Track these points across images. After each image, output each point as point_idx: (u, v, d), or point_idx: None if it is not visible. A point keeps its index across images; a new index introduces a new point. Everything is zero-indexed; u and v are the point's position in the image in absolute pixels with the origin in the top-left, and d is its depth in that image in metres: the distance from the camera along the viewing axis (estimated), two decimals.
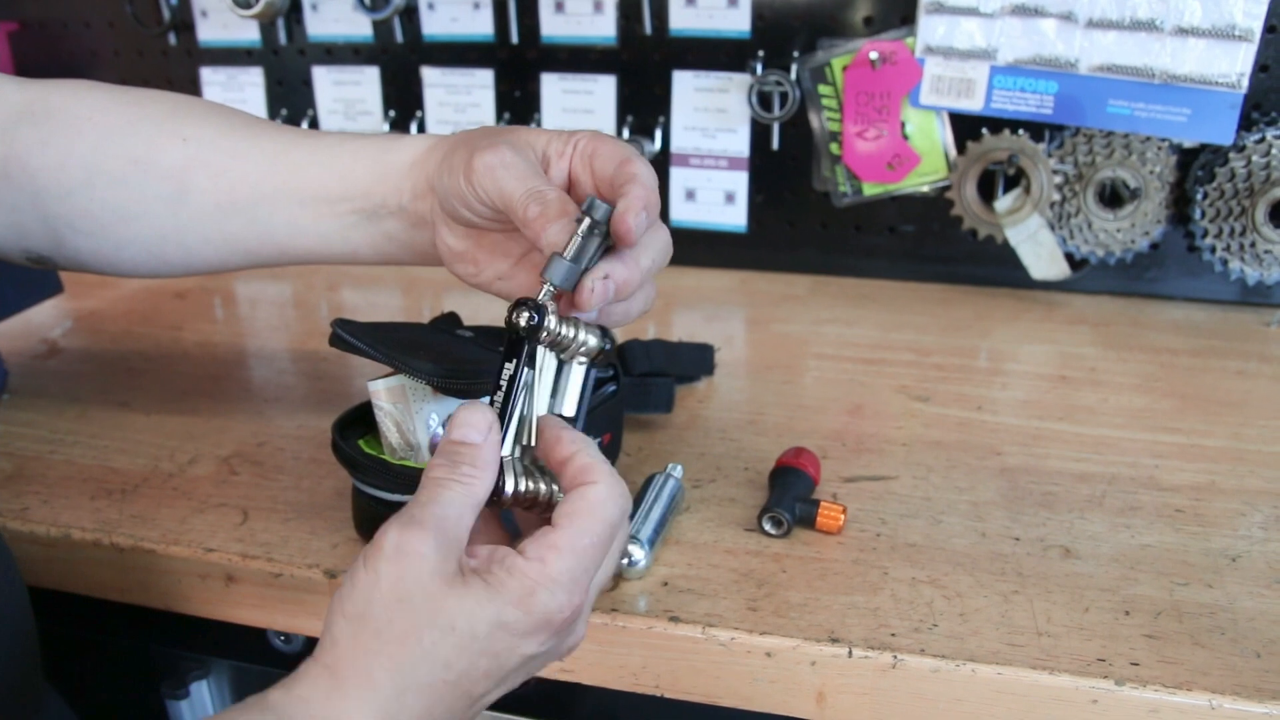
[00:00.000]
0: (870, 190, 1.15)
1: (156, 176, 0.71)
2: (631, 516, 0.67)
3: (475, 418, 0.52)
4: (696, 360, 0.93)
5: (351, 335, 0.65)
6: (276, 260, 0.74)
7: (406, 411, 0.65)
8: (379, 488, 0.64)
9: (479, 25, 1.22)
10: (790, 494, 0.70)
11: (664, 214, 1.23)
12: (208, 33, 1.32)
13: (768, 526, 0.69)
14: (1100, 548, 0.68)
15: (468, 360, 0.66)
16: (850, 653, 0.59)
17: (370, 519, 0.67)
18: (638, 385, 0.82)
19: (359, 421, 0.70)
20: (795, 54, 1.13)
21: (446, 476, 0.51)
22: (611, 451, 0.76)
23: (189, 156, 0.71)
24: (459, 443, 0.52)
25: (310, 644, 0.68)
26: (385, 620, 0.48)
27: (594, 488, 0.52)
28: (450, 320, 0.79)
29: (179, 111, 0.74)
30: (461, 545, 0.50)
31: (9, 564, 0.63)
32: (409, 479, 0.63)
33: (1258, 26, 0.96)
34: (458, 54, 1.25)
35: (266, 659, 0.78)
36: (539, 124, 1.24)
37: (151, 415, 0.89)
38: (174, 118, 0.73)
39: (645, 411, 0.85)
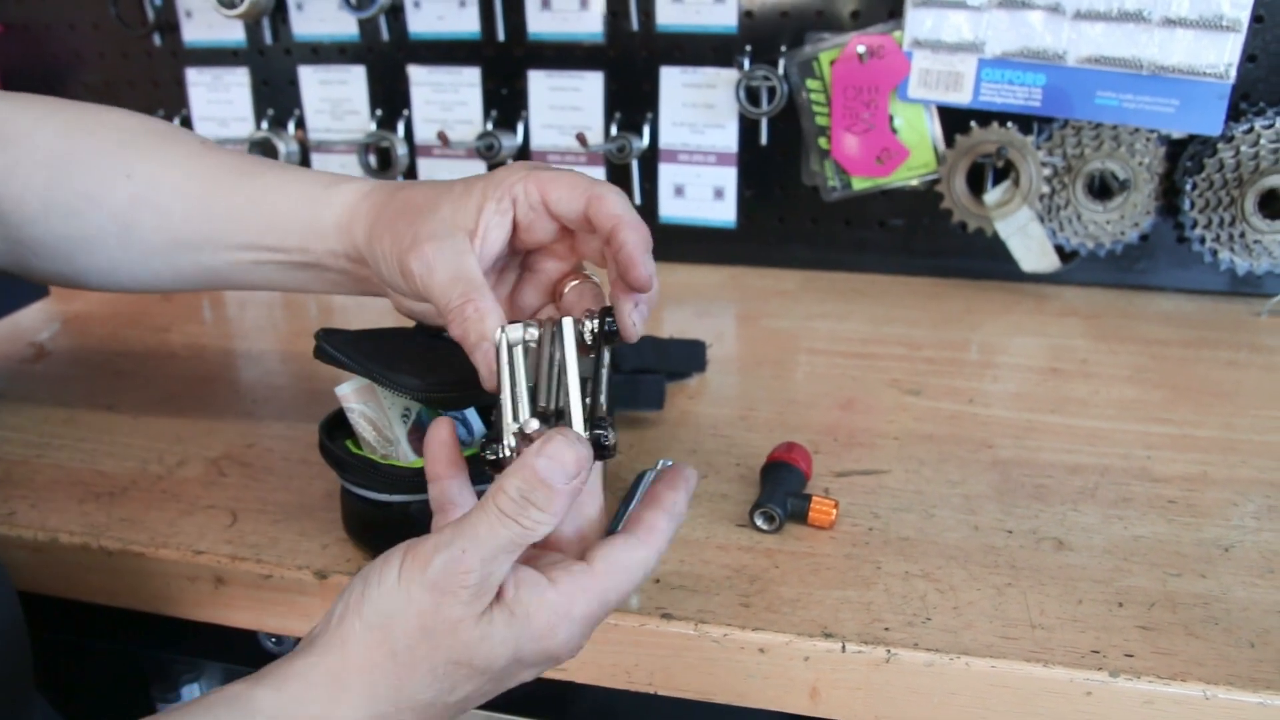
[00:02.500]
0: (859, 184, 1.15)
1: (105, 213, 0.71)
2: (621, 514, 0.67)
3: (567, 456, 0.48)
4: (688, 356, 0.92)
5: (335, 348, 0.65)
6: (229, 288, 0.75)
7: (379, 408, 0.65)
8: (367, 487, 0.64)
9: (465, 23, 1.22)
10: (782, 489, 0.70)
11: (653, 210, 1.23)
12: (192, 33, 1.31)
13: (760, 522, 0.69)
14: (1093, 539, 0.68)
15: (453, 370, 0.66)
16: (844, 647, 0.59)
17: (360, 519, 0.67)
18: (628, 382, 0.81)
19: (346, 422, 0.70)
20: (783, 49, 1.13)
21: (512, 515, 0.47)
22: None
23: (133, 195, 0.71)
24: (542, 482, 0.47)
25: None
26: (405, 645, 0.47)
27: (646, 551, 0.52)
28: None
29: (130, 142, 0.73)
30: (497, 586, 0.49)
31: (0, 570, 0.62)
32: (396, 478, 0.63)
33: (1245, 17, 0.96)
34: (444, 52, 1.24)
35: (257, 661, 0.78)
36: (526, 123, 1.24)
37: (139, 418, 0.88)
38: (123, 150, 0.72)
39: (636, 409, 0.85)
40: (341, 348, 0.65)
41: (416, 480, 0.63)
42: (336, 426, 0.68)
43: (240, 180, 0.70)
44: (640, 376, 0.84)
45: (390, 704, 0.48)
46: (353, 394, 0.65)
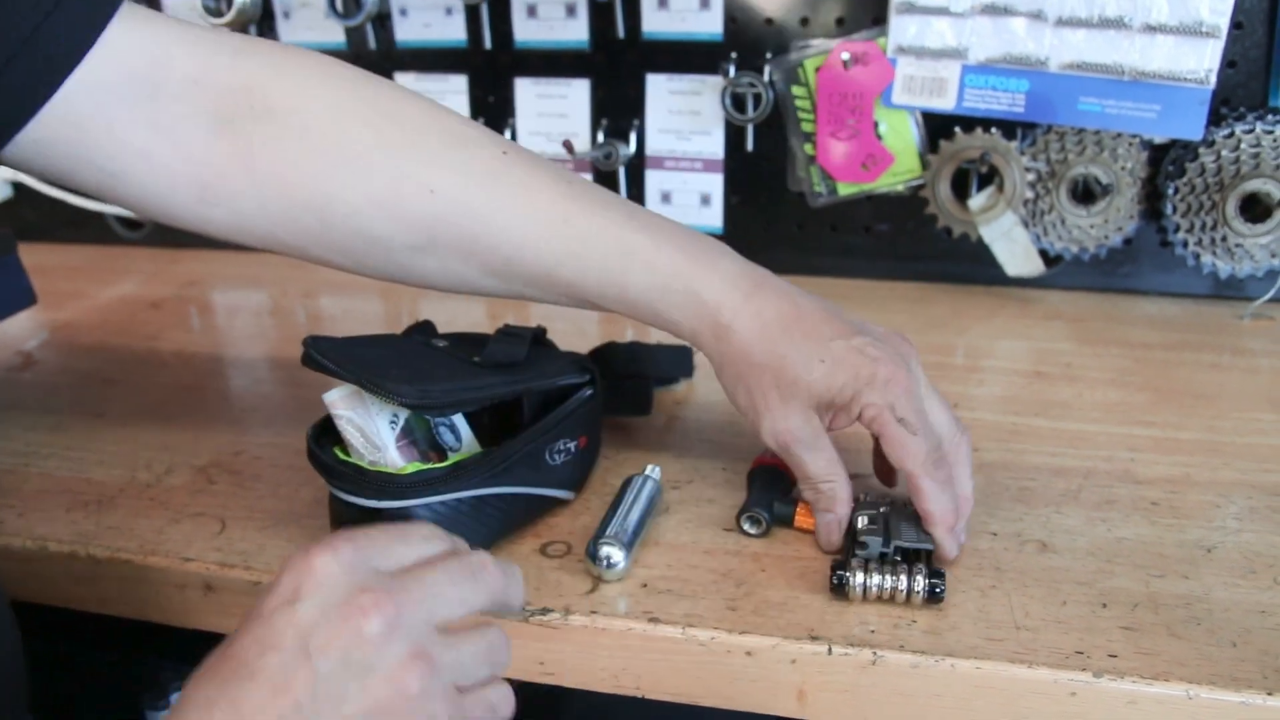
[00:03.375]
0: (845, 190, 1.16)
1: (395, 222, 0.67)
2: (610, 519, 0.67)
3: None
4: (675, 362, 0.93)
5: (323, 355, 0.65)
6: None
7: (365, 414, 0.65)
8: (356, 494, 0.64)
9: (452, 31, 1.22)
10: (768, 493, 0.70)
11: None
12: None
13: (746, 526, 0.69)
14: (1077, 541, 0.68)
15: (441, 377, 0.66)
16: (830, 650, 0.59)
17: (349, 525, 0.67)
18: (615, 388, 0.82)
19: (335, 429, 0.70)
20: (768, 55, 1.13)
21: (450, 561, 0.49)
22: (589, 456, 0.75)
23: (437, 212, 0.67)
24: (480, 565, 0.50)
25: None
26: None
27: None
28: (424, 329, 0.79)
29: (420, 144, 0.68)
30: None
31: None
32: (385, 483, 0.63)
33: (1224, 23, 0.97)
34: (431, 60, 1.24)
35: None
36: (514, 130, 1.24)
37: (127, 426, 0.88)
38: (416, 154, 0.67)
39: (622, 414, 0.85)
40: (330, 354, 0.65)
41: (406, 486, 0.63)
42: (325, 433, 0.69)
43: (602, 228, 0.67)
44: (627, 382, 0.84)
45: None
46: (340, 400, 0.65)
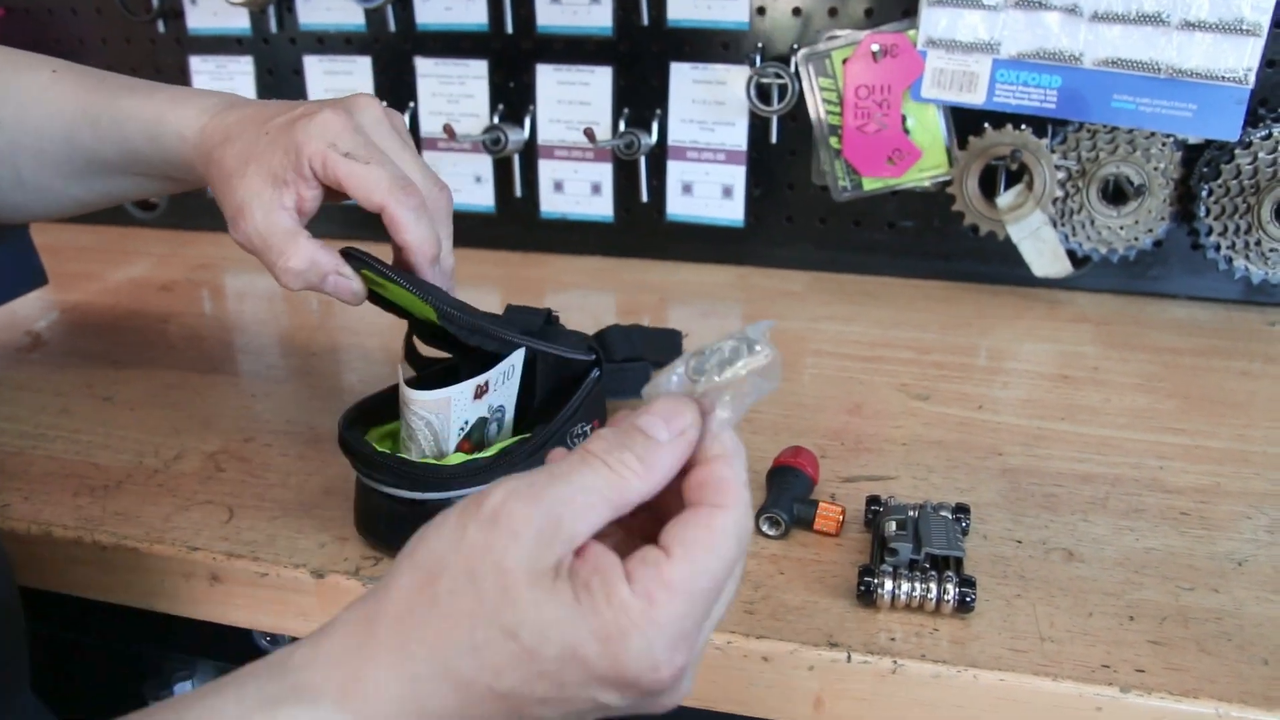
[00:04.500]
0: (870, 185, 1.14)
1: None
2: None
3: (673, 409, 0.44)
4: (666, 345, 0.92)
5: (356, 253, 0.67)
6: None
7: (445, 417, 0.64)
8: (396, 486, 0.62)
9: (473, 14, 1.20)
10: (788, 494, 0.69)
11: (660, 208, 1.22)
12: (197, 20, 1.30)
13: (765, 527, 0.68)
14: (1104, 551, 0.66)
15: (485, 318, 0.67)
16: (849, 658, 0.57)
17: (387, 518, 0.65)
18: (615, 371, 0.80)
19: (359, 420, 0.68)
20: (795, 46, 1.11)
21: (599, 454, 0.42)
22: None
23: (9, 142, 0.77)
24: (639, 430, 0.43)
25: None
26: (448, 590, 0.40)
27: (725, 514, 0.42)
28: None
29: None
30: (573, 542, 0.41)
31: (2, 564, 0.61)
32: (429, 476, 0.62)
33: (1266, 21, 0.94)
34: (451, 44, 1.23)
35: (251, 660, 0.77)
36: (534, 117, 1.23)
37: (136, 410, 0.87)
38: None
39: (623, 398, 0.83)
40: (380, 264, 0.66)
41: (449, 477, 0.62)
42: (354, 423, 0.67)
43: (97, 115, 0.74)
44: (627, 365, 0.83)
45: (425, 664, 0.40)
46: (428, 401, 0.64)
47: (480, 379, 0.65)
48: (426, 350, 0.75)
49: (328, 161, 0.63)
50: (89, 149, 0.75)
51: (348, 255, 0.67)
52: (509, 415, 0.70)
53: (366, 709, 0.40)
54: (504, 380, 0.67)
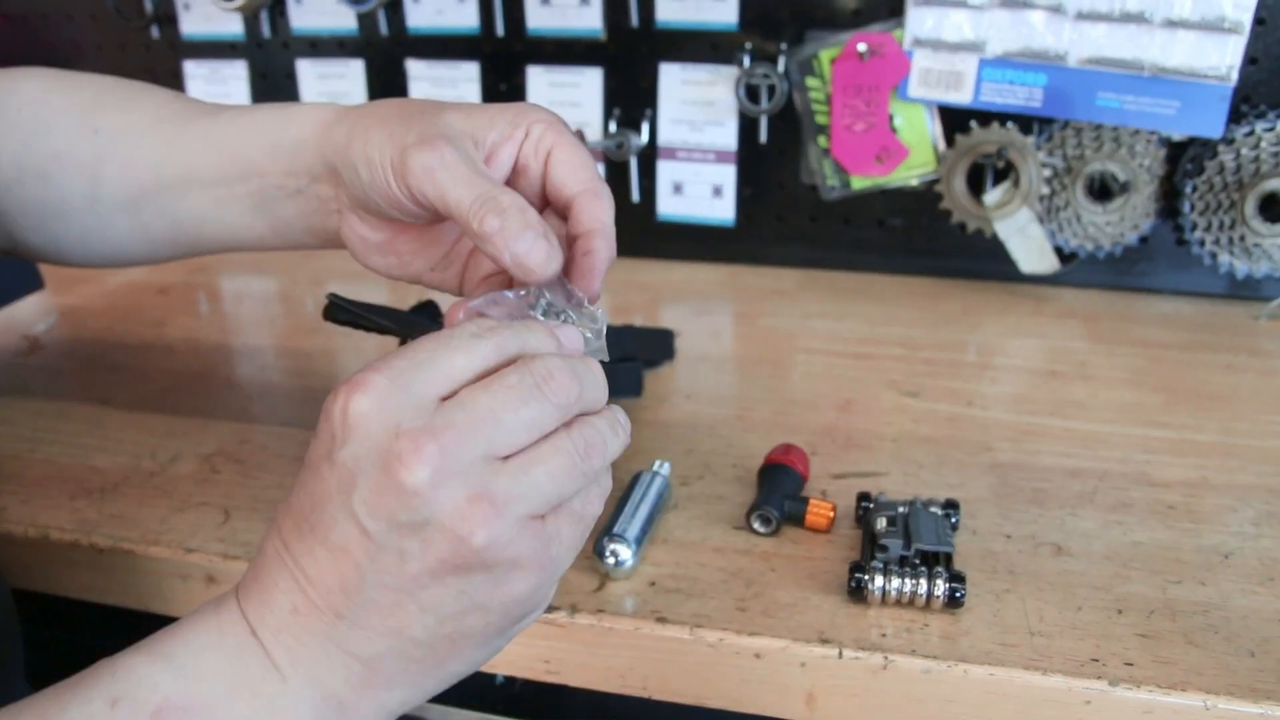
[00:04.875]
0: (858, 183, 1.15)
1: (74, 172, 0.70)
2: (617, 515, 0.66)
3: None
4: (658, 345, 0.92)
5: (351, 308, 0.65)
6: (196, 250, 0.72)
7: None
8: None
9: (464, 17, 1.21)
10: (779, 491, 0.69)
11: (651, 208, 1.23)
12: (190, 26, 1.31)
13: (756, 525, 0.69)
14: (1092, 545, 0.67)
15: None
16: (840, 654, 0.58)
17: None
18: (609, 370, 0.81)
19: None
20: (783, 46, 1.12)
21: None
22: None
23: (99, 149, 0.69)
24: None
25: None
26: (294, 503, 0.45)
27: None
28: (429, 310, 0.79)
29: (100, 100, 0.71)
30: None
31: None
32: None
33: (1247, 19, 0.95)
34: (442, 46, 1.23)
35: None
36: None
37: (133, 413, 0.88)
38: (93, 108, 0.70)
39: (615, 397, 0.84)
40: (356, 307, 0.65)
41: None
42: None
43: (200, 118, 0.68)
44: (620, 365, 0.83)
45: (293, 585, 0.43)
46: None
47: None
48: None
49: (551, 127, 0.56)
50: (182, 156, 0.68)
51: (335, 305, 0.66)
52: None
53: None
54: None
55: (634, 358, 0.86)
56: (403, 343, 0.70)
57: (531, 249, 0.50)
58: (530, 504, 0.42)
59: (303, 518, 0.43)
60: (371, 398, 0.42)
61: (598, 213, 0.55)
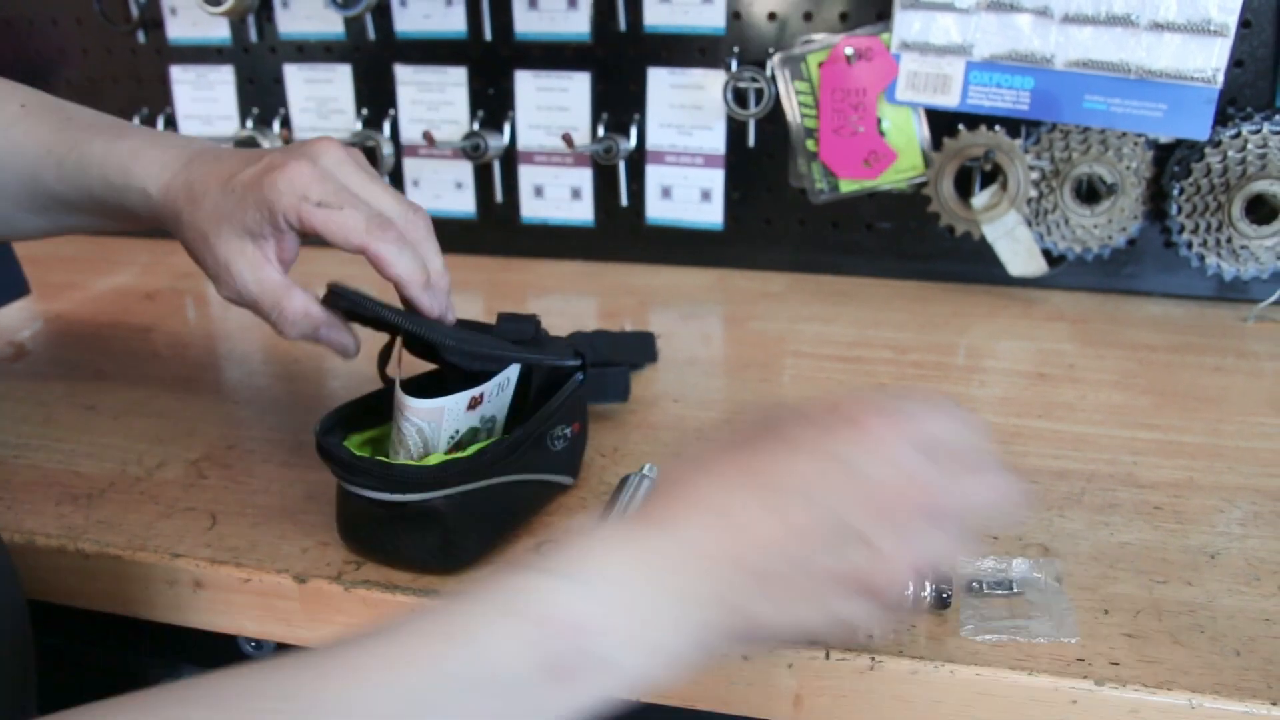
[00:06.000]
0: (847, 187, 1.15)
1: None
2: (606, 518, 0.66)
3: None
4: (639, 348, 0.92)
5: (353, 298, 0.66)
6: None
7: (438, 427, 0.65)
8: (377, 489, 0.63)
9: (452, 22, 1.21)
10: None
11: (640, 212, 1.23)
12: (177, 30, 1.31)
13: None
14: (1079, 546, 0.67)
15: (471, 337, 0.67)
16: (828, 655, 0.58)
17: (368, 521, 0.65)
18: (594, 375, 0.81)
19: (338, 425, 0.68)
20: (771, 50, 1.12)
21: None
22: (582, 441, 0.75)
23: None
24: None
25: (281, 650, 0.67)
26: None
27: None
28: None
29: None
30: None
31: (9, 576, 0.61)
32: (410, 477, 0.62)
33: (1232, 21, 0.96)
34: (430, 51, 1.23)
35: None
36: (513, 123, 1.23)
37: (119, 418, 0.87)
38: None
39: (603, 401, 0.84)
40: (358, 297, 0.66)
41: (431, 479, 0.62)
42: (330, 430, 0.67)
43: (61, 158, 0.73)
44: (606, 370, 0.83)
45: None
46: (423, 410, 0.64)
47: (476, 391, 0.66)
48: (409, 360, 0.75)
49: (302, 214, 0.64)
50: (53, 190, 0.74)
51: (334, 293, 0.67)
52: (499, 424, 0.70)
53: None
54: (498, 392, 0.68)
55: (620, 362, 0.86)
56: (393, 339, 0.70)
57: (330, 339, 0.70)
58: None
59: (772, 487, 0.47)
60: (905, 436, 0.48)
61: (386, 272, 0.65)
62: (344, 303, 0.67)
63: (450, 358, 0.66)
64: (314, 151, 0.66)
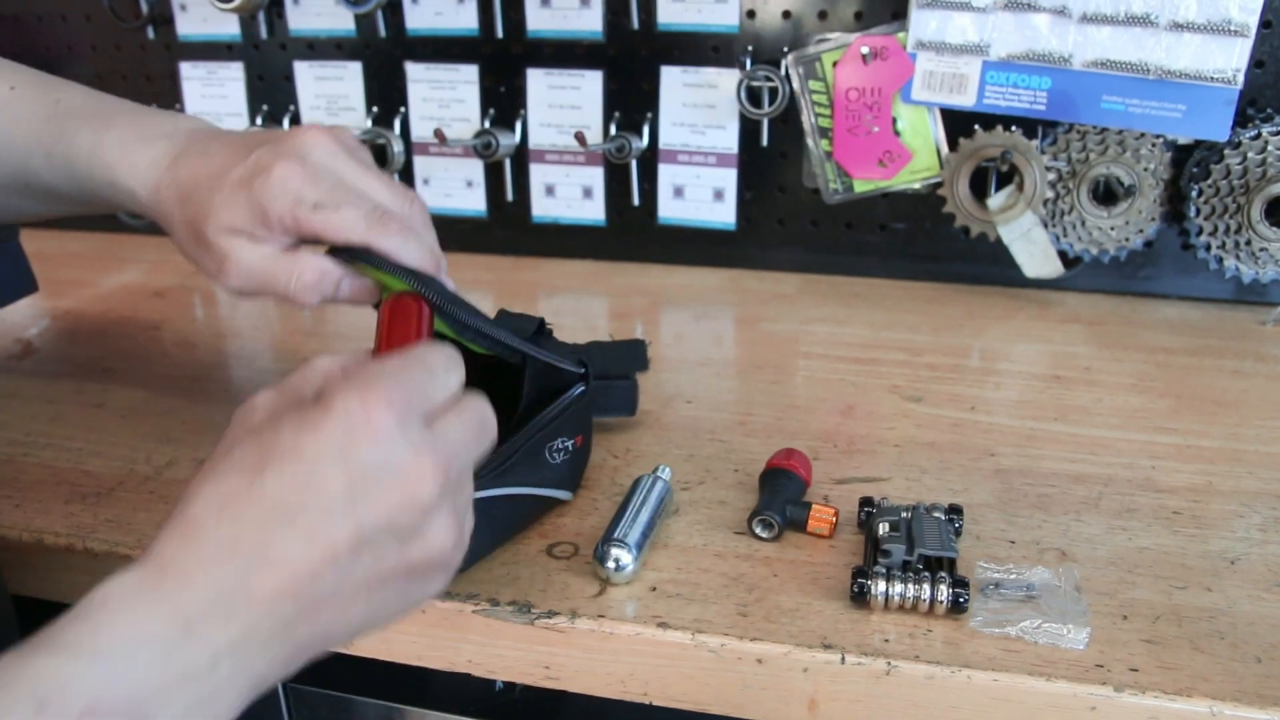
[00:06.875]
0: (861, 187, 1.14)
1: None
2: (618, 520, 0.65)
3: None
4: (630, 357, 0.91)
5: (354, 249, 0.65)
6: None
7: None
8: None
9: (463, 19, 1.20)
10: (781, 496, 0.69)
11: (652, 211, 1.22)
12: (187, 26, 1.30)
13: (758, 530, 0.68)
14: (1097, 551, 0.66)
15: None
16: (843, 659, 0.57)
17: None
18: (601, 388, 0.79)
19: None
20: (785, 49, 1.12)
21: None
22: (584, 455, 0.73)
23: None
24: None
25: None
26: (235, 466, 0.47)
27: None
28: None
29: None
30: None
31: None
32: None
33: (1253, 21, 0.95)
34: (442, 48, 1.23)
35: None
36: (525, 121, 1.23)
37: (128, 417, 0.87)
38: None
39: (609, 414, 0.83)
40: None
41: None
42: None
43: (50, 148, 0.72)
44: (614, 382, 0.82)
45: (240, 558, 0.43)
46: None
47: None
48: None
49: (299, 220, 0.62)
50: (44, 180, 0.73)
51: (337, 252, 0.66)
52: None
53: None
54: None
55: (627, 376, 0.84)
56: (381, 301, 0.69)
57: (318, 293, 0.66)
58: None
59: (281, 504, 0.43)
60: (397, 415, 0.45)
61: (402, 260, 0.63)
62: (345, 256, 0.65)
63: (463, 335, 0.64)
64: (303, 146, 0.64)
